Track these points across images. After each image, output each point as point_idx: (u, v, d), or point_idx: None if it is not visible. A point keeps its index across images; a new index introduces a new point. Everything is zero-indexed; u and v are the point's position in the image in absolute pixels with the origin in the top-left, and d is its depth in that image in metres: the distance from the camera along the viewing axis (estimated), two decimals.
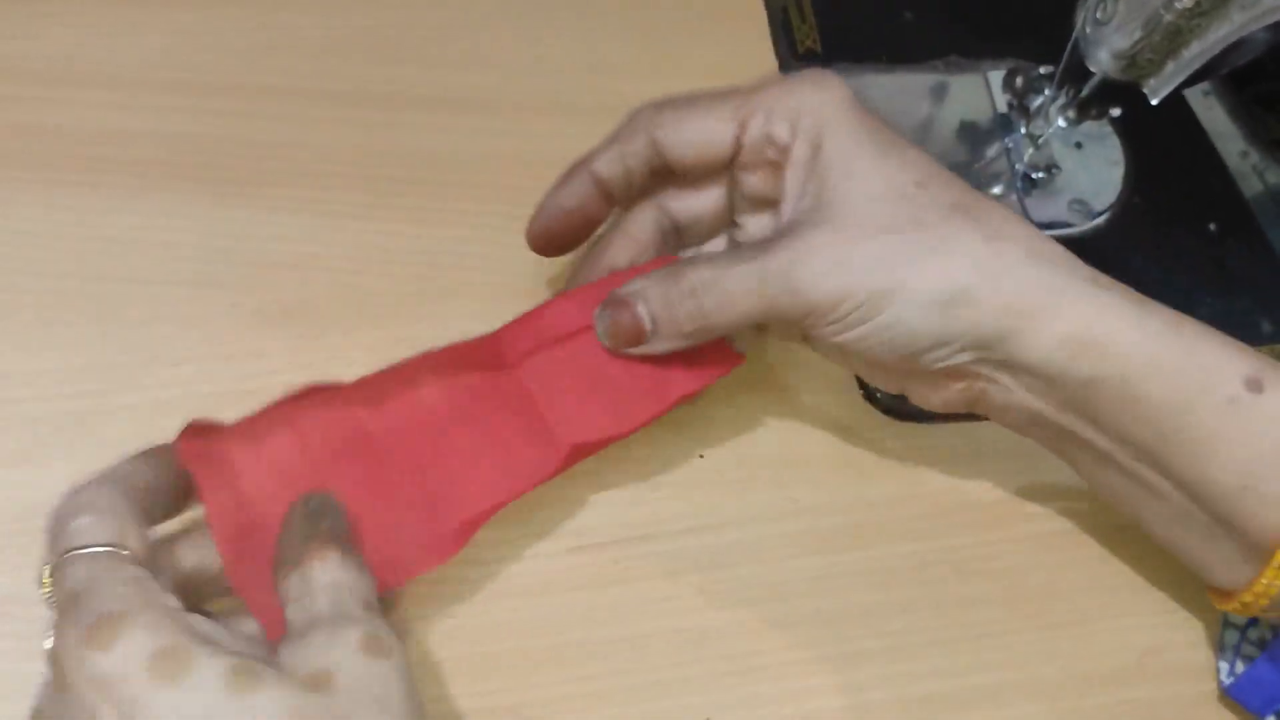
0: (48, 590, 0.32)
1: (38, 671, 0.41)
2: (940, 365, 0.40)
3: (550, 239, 0.45)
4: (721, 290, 0.39)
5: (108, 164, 0.51)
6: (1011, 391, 0.41)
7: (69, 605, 0.30)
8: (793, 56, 0.60)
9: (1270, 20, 0.48)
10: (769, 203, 0.43)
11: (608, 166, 0.43)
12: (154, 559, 0.33)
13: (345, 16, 0.58)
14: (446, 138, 0.55)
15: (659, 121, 0.42)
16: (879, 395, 0.51)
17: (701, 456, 0.48)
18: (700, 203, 0.45)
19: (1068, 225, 0.56)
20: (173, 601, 0.31)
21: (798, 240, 0.39)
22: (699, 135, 0.42)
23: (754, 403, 0.50)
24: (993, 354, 0.39)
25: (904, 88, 0.59)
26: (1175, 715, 0.44)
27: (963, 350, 0.40)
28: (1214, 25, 0.47)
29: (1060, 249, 0.40)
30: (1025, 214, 0.56)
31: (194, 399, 0.46)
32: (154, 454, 0.36)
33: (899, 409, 0.50)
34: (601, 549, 0.45)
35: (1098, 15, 0.50)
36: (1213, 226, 0.58)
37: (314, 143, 0.54)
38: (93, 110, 0.53)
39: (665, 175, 0.44)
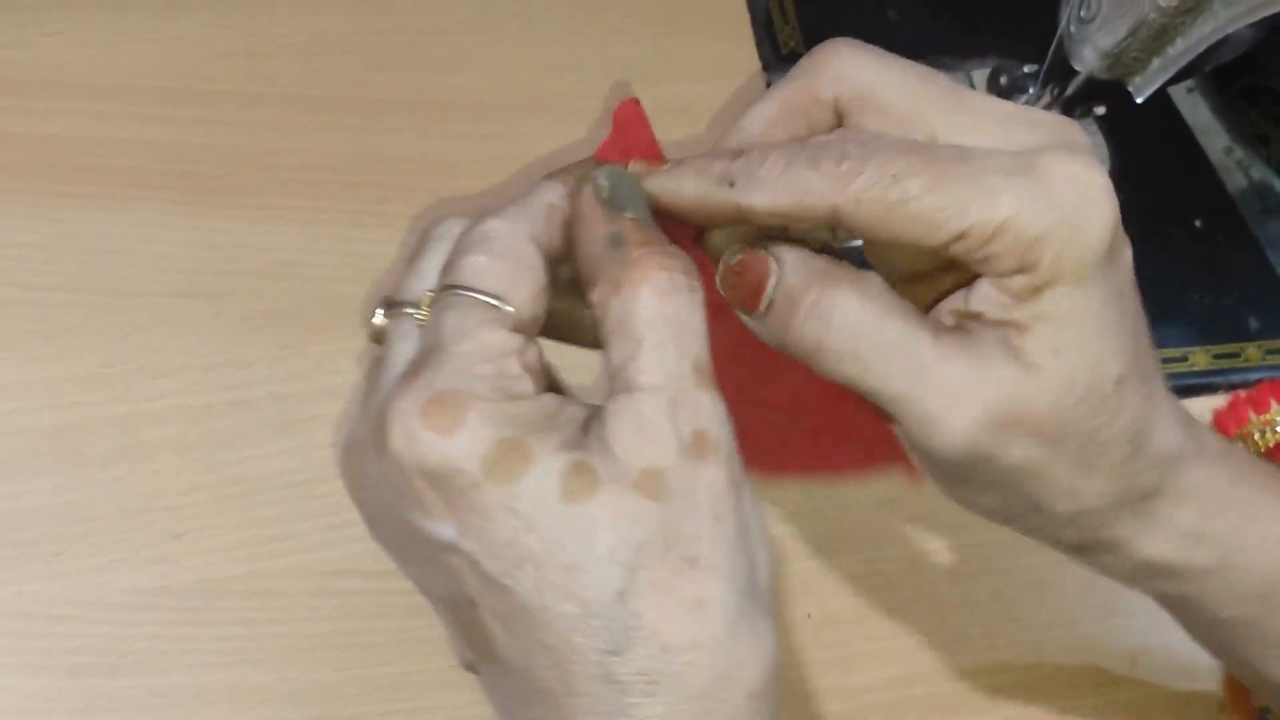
0: (379, 325, 0.30)
1: (27, 687, 0.41)
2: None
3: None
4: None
5: (92, 173, 0.51)
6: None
7: (426, 356, 0.27)
8: (776, 57, 0.60)
9: (1254, 17, 0.48)
10: None
11: (766, 218, 0.30)
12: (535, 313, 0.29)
13: (330, 22, 0.57)
14: (433, 142, 0.54)
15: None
16: None
17: None
18: None
19: None
20: (527, 385, 0.27)
21: (966, 397, 0.30)
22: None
23: None
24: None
25: None
26: (1169, 716, 0.44)
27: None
28: (1199, 22, 0.47)
29: None
30: None
31: (180, 410, 0.46)
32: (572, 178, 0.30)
33: None
34: None
35: (1082, 13, 0.49)
36: (1198, 223, 0.58)
37: (299, 149, 0.53)
38: (77, 120, 0.52)
39: None
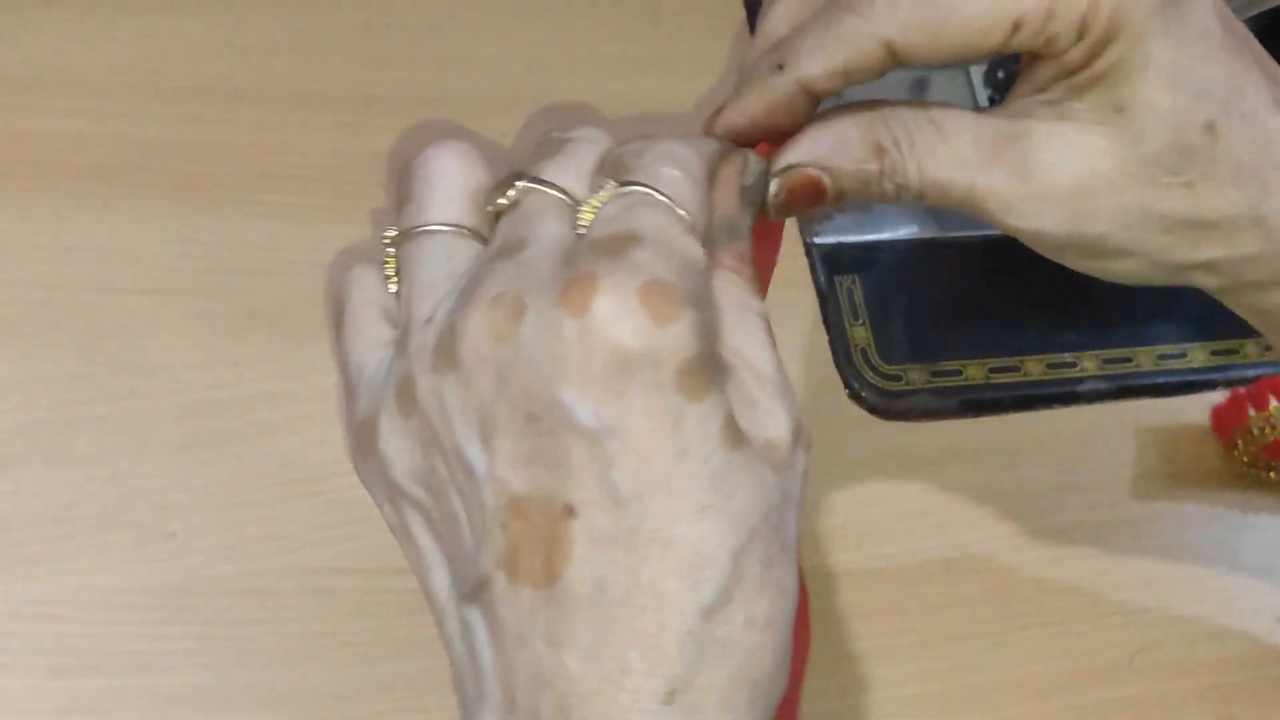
0: (490, 195, 0.29)
1: (8, 687, 0.40)
2: None
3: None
4: (928, 180, 0.31)
5: (78, 170, 0.50)
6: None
7: (622, 242, 0.26)
8: None
9: (1249, 13, 0.48)
10: None
11: (824, 83, 0.30)
12: None
13: (318, 18, 0.57)
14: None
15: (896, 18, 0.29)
16: (864, 395, 0.50)
17: None
18: None
19: None
20: (715, 312, 0.28)
21: (1038, 168, 0.30)
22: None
23: None
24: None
25: (883, 82, 0.59)
26: (1167, 713, 0.44)
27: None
28: None
29: None
30: None
31: (166, 408, 0.45)
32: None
33: (885, 409, 0.50)
34: None
35: None
36: None
37: (288, 146, 0.53)
38: (60, 116, 0.52)
39: None
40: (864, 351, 0.51)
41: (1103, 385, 0.53)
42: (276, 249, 0.50)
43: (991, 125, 0.31)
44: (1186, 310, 0.55)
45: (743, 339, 0.27)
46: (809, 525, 0.47)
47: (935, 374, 0.51)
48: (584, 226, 0.27)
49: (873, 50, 0.29)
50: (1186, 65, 0.29)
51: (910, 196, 0.31)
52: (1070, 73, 0.29)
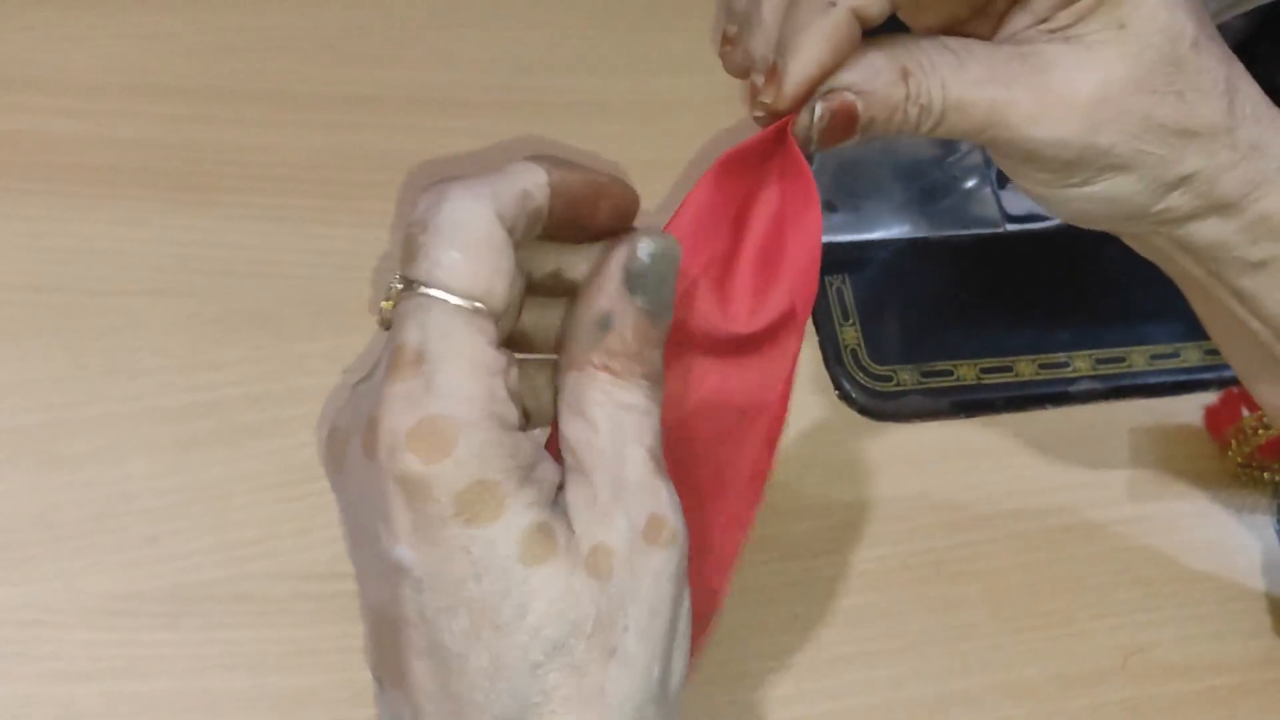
0: (389, 310, 0.28)
1: (1, 693, 0.40)
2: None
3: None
4: (951, 101, 0.32)
5: (64, 171, 0.50)
6: (1160, 249, 0.38)
7: (401, 368, 0.26)
8: None
9: (1246, 7, 0.47)
10: None
11: (875, 7, 0.32)
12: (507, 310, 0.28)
13: (302, 18, 0.57)
14: (409, 138, 0.54)
15: None
16: (855, 396, 0.50)
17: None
18: None
19: (1044, 219, 0.56)
20: (513, 414, 0.27)
21: (1054, 79, 0.32)
22: None
23: None
24: (1166, 229, 0.36)
25: None
26: (1161, 716, 0.44)
27: (1145, 222, 0.36)
28: None
29: None
30: (1000, 207, 0.56)
31: (153, 412, 0.45)
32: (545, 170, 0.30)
33: (875, 410, 0.50)
34: None
35: None
36: None
37: (273, 146, 0.53)
38: (47, 116, 0.52)
39: None
40: (854, 352, 0.51)
41: (1095, 385, 0.52)
42: (265, 250, 0.50)
43: (1004, 50, 0.33)
44: (1179, 310, 0.54)
45: (598, 443, 0.27)
46: (799, 527, 0.46)
47: (926, 374, 0.51)
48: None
49: None
50: None
51: (932, 121, 0.32)
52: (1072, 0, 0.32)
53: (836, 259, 0.53)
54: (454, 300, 0.26)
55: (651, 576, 0.27)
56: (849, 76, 0.32)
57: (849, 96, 0.31)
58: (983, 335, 0.53)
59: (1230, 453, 0.51)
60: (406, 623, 0.26)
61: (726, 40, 0.35)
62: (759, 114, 0.32)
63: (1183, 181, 0.34)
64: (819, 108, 0.31)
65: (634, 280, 0.28)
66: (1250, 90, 0.34)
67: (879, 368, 0.51)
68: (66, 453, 0.44)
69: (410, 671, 0.27)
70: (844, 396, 0.50)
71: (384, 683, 0.28)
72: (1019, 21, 0.34)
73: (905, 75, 0.32)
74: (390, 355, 0.26)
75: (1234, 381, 0.53)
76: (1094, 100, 0.32)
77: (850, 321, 0.52)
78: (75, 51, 0.53)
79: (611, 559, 0.26)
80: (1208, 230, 0.35)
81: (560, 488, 0.28)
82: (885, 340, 0.51)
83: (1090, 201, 0.35)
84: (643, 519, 0.27)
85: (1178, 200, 0.34)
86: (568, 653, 0.26)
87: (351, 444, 0.27)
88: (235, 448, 0.45)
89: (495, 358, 0.27)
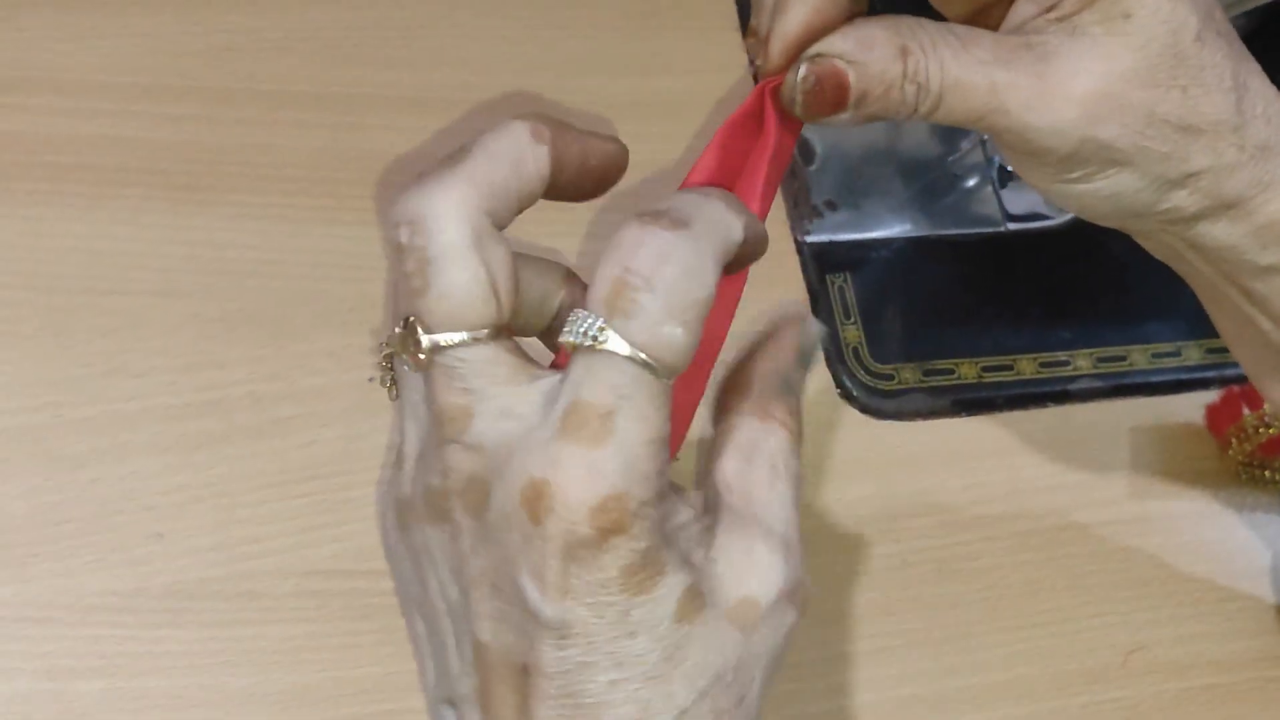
0: (384, 362, 0.28)
1: (6, 691, 0.40)
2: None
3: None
4: (949, 81, 0.32)
5: (62, 171, 0.50)
6: (1172, 247, 0.37)
7: (583, 429, 0.25)
8: None
9: (1247, 6, 0.47)
10: None
11: None
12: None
13: (304, 17, 0.57)
14: (410, 139, 0.54)
15: None
16: (856, 394, 0.50)
17: (677, 459, 0.47)
18: None
19: (1045, 218, 0.56)
20: (667, 482, 0.27)
21: (1058, 65, 0.32)
22: None
23: None
24: (1176, 228, 0.36)
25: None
26: (1161, 714, 0.44)
27: (1153, 221, 0.36)
28: None
29: None
30: (1001, 206, 0.56)
31: (155, 411, 0.45)
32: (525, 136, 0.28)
33: (876, 408, 0.50)
34: None
35: None
36: None
37: (274, 146, 0.53)
38: (47, 116, 0.52)
39: None
40: (855, 350, 0.51)
41: (1096, 384, 0.52)
42: (265, 250, 0.50)
43: (1009, 39, 0.32)
44: (1180, 308, 0.54)
45: (764, 495, 0.28)
46: (802, 526, 0.46)
47: (927, 373, 0.51)
48: (568, 340, 0.26)
49: None
50: None
51: (930, 102, 0.32)
52: None
53: (838, 257, 0.53)
54: (659, 380, 0.25)
55: (783, 636, 0.27)
56: (842, 45, 0.31)
57: (839, 64, 0.31)
58: (984, 334, 0.53)
59: (1231, 451, 0.51)
60: (540, 673, 0.26)
61: (751, 33, 0.34)
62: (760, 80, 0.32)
63: (1188, 180, 0.34)
64: (803, 68, 0.31)
65: (805, 356, 0.30)
66: (1262, 88, 0.34)
67: (880, 366, 0.51)
68: (69, 451, 0.44)
69: (533, 714, 0.26)
70: (845, 395, 0.50)
71: (466, 712, 0.28)
72: (1024, 10, 0.33)
73: (904, 53, 0.31)
74: (567, 410, 0.25)
75: (1235, 380, 0.53)
76: (1095, 92, 0.32)
77: (851, 320, 0.52)
78: (76, 52, 0.54)
79: (757, 612, 0.27)
80: (1218, 232, 0.35)
81: (706, 532, 0.28)
82: (886, 339, 0.52)
83: (1094, 198, 0.34)
84: (794, 581, 0.28)
85: (1184, 199, 0.34)
86: (712, 699, 0.26)
87: (497, 494, 0.26)
88: (237, 446, 0.45)
89: (665, 426, 0.26)
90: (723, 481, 0.29)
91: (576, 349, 0.25)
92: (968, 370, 0.52)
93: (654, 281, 0.25)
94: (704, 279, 0.26)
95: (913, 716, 0.43)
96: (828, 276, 0.53)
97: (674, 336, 0.25)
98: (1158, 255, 0.39)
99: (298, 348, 0.47)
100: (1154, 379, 0.53)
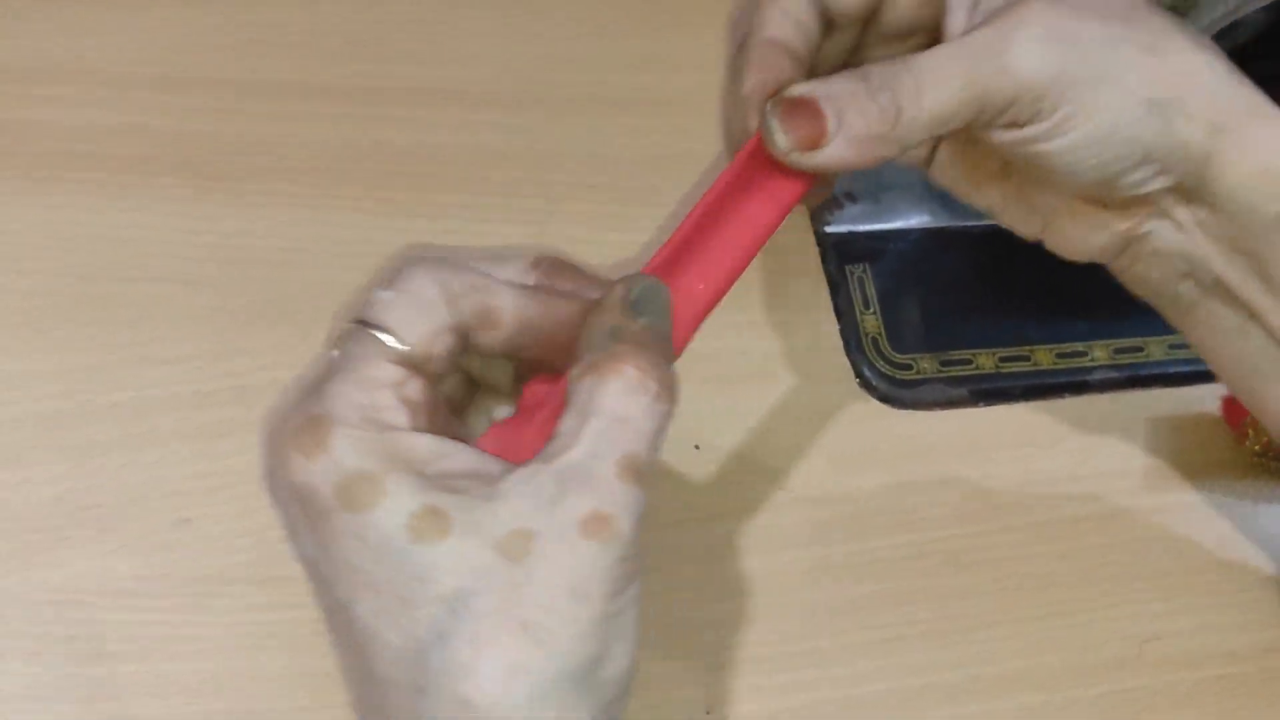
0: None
1: (33, 674, 0.41)
2: (1132, 193, 0.37)
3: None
4: (919, 77, 0.34)
5: (90, 162, 0.51)
6: (1182, 232, 0.38)
7: (314, 383, 0.29)
8: None
9: (1265, 0, 0.47)
10: (909, 34, 0.39)
11: (782, 30, 0.36)
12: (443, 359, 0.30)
13: (327, 11, 0.57)
14: (432, 131, 0.54)
15: None
16: (875, 383, 0.50)
17: (697, 448, 0.48)
18: (832, 48, 0.39)
19: None
20: (399, 417, 0.28)
21: (1007, 16, 0.35)
22: None
23: (749, 393, 0.49)
24: (1186, 179, 0.36)
25: None
26: (1176, 705, 0.44)
27: (1165, 172, 0.36)
28: (1210, 5, 0.47)
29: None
30: None
31: (182, 398, 0.46)
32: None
33: (895, 397, 0.50)
34: None
35: None
36: None
37: (298, 138, 0.53)
38: (73, 108, 0.52)
39: None
40: (875, 340, 0.51)
41: (1113, 374, 0.52)
42: (289, 239, 0.50)
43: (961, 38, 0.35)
44: None
45: (585, 441, 0.28)
46: (815, 515, 0.47)
47: (946, 363, 0.51)
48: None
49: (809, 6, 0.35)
50: None
51: (908, 96, 0.34)
52: None
53: (857, 248, 0.53)
54: (369, 330, 0.29)
55: (580, 566, 0.27)
56: (804, 86, 0.34)
57: (804, 94, 0.34)
58: (1002, 324, 0.53)
59: (1248, 442, 0.51)
60: (328, 616, 0.28)
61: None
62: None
63: (1173, 102, 0.35)
64: (769, 104, 0.34)
65: (635, 307, 0.30)
66: (1193, 33, 0.36)
67: (899, 356, 0.51)
68: (97, 438, 0.45)
69: (341, 660, 0.28)
70: (864, 384, 0.50)
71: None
72: (956, 22, 0.36)
73: (864, 74, 0.34)
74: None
75: None
76: (1051, 22, 0.34)
77: (871, 310, 0.52)
78: (102, 44, 0.54)
79: (530, 542, 0.26)
80: (1229, 177, 0.35)
81: (500, 474, 0.28)
82: (905, 328, 0.52)
83: (1093, 141, 0.35)
84: (586, 511, 0.27)
85: (1184, 128, 0.35)
86: (474, 623, 0.26)
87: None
88: (260, 434, 0.46)
89: (390, 371, 0.28)
90: (552, 440, 0.29)
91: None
92: (985, 360, 0.52)
93: (378, 280, 0.30)
94: (412, 266, 0.30)
95: (926, 706, 0.43)
96: (847, 267, 0.53)
97: (380, 297, 0.30)
98: (1160, 296, 0.40)
99: (321, 335, 0.47)
100: (1171, 370, 0.53)
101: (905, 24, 0.38)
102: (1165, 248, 0.38)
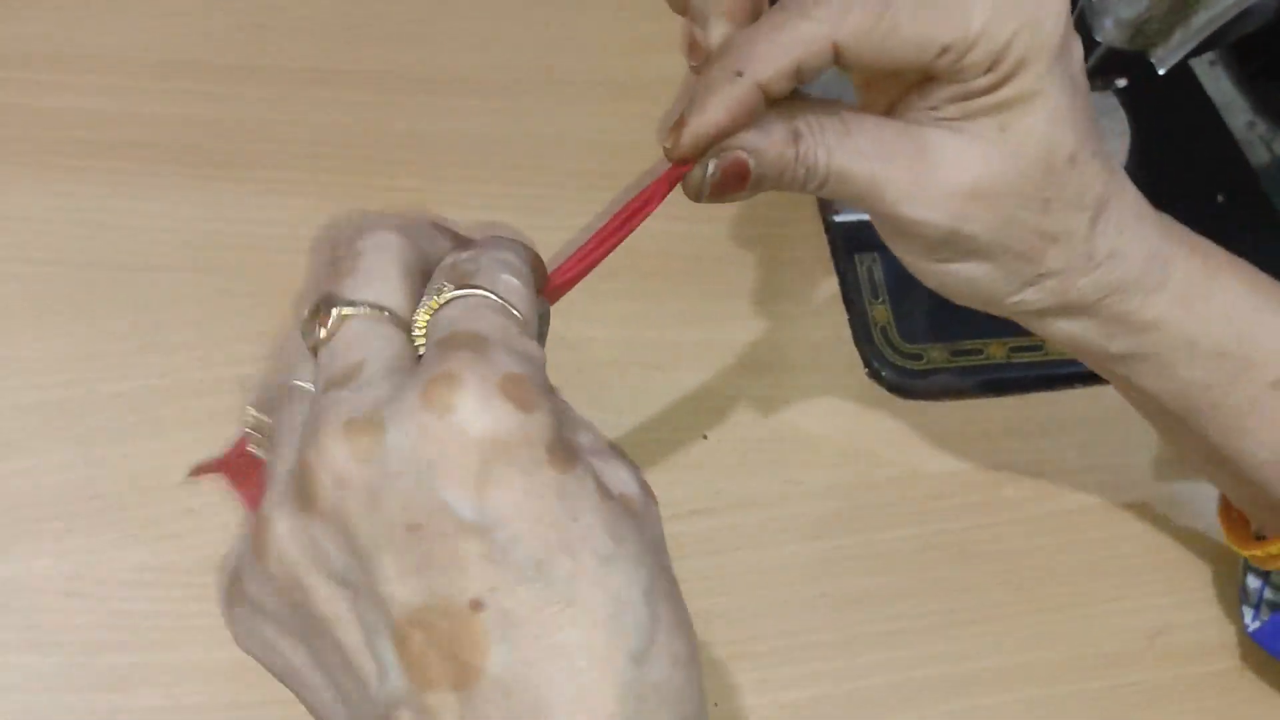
0: (305, 327, 0.29)
1: (37, 664, 0.41)
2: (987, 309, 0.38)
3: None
4: (835, 169, 0.33)
5: (96, 147, 0.51)
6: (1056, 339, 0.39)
7: (469, 343, 0.26)
8: None
9: (1244, 5, 0.47)
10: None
11: (778, 84, 0.33)
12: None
13: None
14: (439, 117, 0.54)
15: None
16: (884, 374, 0.50)
17: (705, 438, 0.47)
18: None
19: None
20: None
21: (940, 154, 0.34)
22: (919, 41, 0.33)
23: (758, 384, 0.49)
24: (1033, 325, 0.39)
25: None
26: (1184, 697, 0.44)
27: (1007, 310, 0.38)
28: None
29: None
30: None
31: (187, 385, 0.45)
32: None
33: (904, 387, 0.50)
34: None
35: None
36: (1220, 198, 0.57)
37: (305, 124, 0.53)
38: (80, 94, 0.52)
39: None
40: (884, 330, 0.51)
41: None
42: (294, 225, 0.50)
43: (892, 127, 0.34)
44: None
45: (568, 422, 0.27)
46: (825, 508, 0.47)
47: (956, 353, 0.51)
48: (420, 332, 0.27)
49: (822, 51, 0.32)
50: (1066, 104, 0.34)
51: (817, 182, 0.34)
52: (969, 96, 0.33)
53: (867, 238, 0.53)
54: (513, 311, 0.27)
55: (659, 523, 0.27)
56: (745, 137, 0.33)
57: (742, 154, 0.33)
58: None
59: None
60: (488, 596, 0.24)
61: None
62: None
63: (1039, 279, 0.36)
64: (711, 165, 0.33)
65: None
66: (1125, 204, 0.36)
67: (909, 346, 0.51)
68: (102, 426, 0.45)
69: (491, 654, 0.24)
70: (874, 374, 0.50)
71: (417, 701, 0.25)
72: (913, 101, 0.35)
73: (796, 137, 0.33)
74: (445, 338, 0.27)
75: None
76: (966, 192, 0.34)
77: (880, 300, 0.52)
78: (108, 30, 0.54)
79: (637, 505, 0.27)
80: (1066, 326, 0.38)
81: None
82: (915, 318, 0.51)
83: (953, 279, 0.37)
84: (636, 477, 0.27)
85: (1034, 295, 0.37)
86: (663, 579, 0.26)
87: (393, 419, 0.25)
88: None
89: (541, 353, 0.27)
90: None
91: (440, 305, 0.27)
92: (996, 350, 0.52)
93: (479, 255, 0.29)
94: (520, 260, 0.29)
95: (934, 698, 0.43)
96: (856, 256, 0.53)
97: (509, 282, 0.28)
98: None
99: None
100: None
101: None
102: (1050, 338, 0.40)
